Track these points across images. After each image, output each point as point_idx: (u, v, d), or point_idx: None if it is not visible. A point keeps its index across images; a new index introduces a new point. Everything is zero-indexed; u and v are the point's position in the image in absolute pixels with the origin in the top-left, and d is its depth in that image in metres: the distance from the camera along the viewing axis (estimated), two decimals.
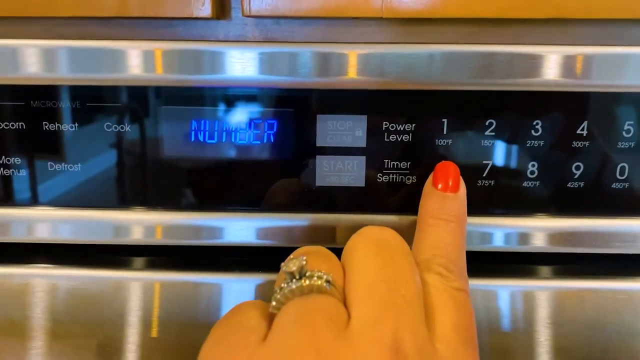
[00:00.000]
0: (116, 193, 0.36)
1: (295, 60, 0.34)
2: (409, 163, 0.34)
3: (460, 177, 0.33)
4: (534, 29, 0.36)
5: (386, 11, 0.33)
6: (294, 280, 0.26)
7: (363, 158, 0.34)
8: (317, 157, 0.34)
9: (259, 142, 0.34)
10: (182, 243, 0.37)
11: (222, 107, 0.34)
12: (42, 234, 0.37)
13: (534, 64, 0.33)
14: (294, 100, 0.34)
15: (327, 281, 0.26)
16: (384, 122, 0.33)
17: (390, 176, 0.35)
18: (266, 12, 0.34)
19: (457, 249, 0.30)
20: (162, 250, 0.39)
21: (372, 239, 0.28)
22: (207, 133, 0.34)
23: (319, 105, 0.34)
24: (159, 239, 0.37)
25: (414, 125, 0.34)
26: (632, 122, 0.33)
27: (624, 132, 0.34)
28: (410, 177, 0.35)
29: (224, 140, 0.34)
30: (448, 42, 0.35)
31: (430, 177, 0.33)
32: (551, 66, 0.33)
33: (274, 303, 0.26)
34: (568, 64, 0.33)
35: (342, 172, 0.34)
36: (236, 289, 0.37)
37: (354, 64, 0.34)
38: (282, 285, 0.26)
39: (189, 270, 0.37)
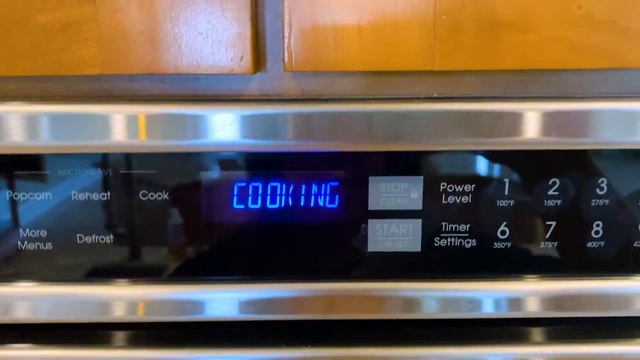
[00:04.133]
0: (98, 266, 0.34)
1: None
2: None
3: None
4: (580, 77, 0.34)
5: (438, 64, 0.31)
6: None
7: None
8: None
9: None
10: (166, 319, 0.35)
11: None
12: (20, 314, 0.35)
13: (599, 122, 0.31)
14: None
15: None
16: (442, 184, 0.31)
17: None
18: (310, 66, 0.32)
19: None
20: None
21: None
22: (254, 198, 0.32)
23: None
24: (140, 316, 0.34)
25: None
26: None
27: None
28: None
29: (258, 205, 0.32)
30: (495, 94, 0.33)
31: None
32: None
33: None
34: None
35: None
36: None
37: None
38: None
39: (173, 347, 0.35)
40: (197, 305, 0.34)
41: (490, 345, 0.34)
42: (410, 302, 0.33)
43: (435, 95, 0.33)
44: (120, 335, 0.36)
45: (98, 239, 0.33)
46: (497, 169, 0.31)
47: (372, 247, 0.32)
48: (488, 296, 0.34)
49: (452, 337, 0.35)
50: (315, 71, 0.33)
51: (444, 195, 0.31)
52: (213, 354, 0.34)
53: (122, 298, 0.34)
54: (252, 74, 0.32)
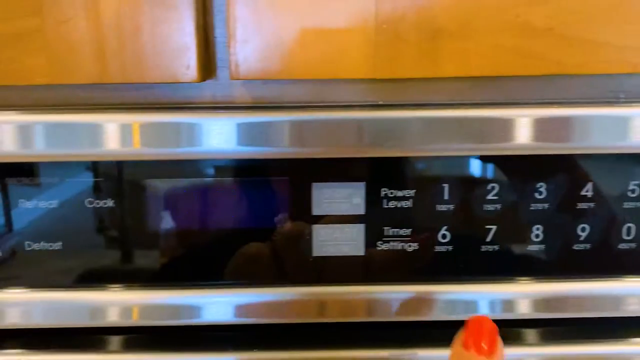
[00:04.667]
0: (92, 272, 0.34)
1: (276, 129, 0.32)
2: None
3: (498, 336, 0.27)
4: (528, 84, 0.35)
5: (380, 72, 0.32)
6: None
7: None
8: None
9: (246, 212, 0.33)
10: (160, 324, 0.35)
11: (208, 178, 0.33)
12: (13, 320, 0.35)
13: (540, 127, 0.32)
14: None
15: None
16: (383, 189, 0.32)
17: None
18: (255, 75, 0.32)
19: None
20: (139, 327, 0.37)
21: None
22: (200, 205, 0.32)
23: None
24: (135, 320, 0.35)
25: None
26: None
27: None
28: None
29: (209, 214, 0.33)
30: (444, 99, 0.34)
31: (460, 335, 0.27)
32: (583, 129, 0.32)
33: None
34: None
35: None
36: None
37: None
38: None
39: (168, 351, 0.35)
40: (193, 309, 0.34)
41: None
42: (405, 305, 0.34)
43: (380, 102, 0.34)
44: (114, 340, 0.36)
45: (90, 244, 0.34)
46: (437, 174, 0.32)
47: (316, 251, 0.32)
48: (483, 298, 0.34)
49: (444, 339, 0.35)
50: (263, 79, 0.34)
51: (385, 200, 0.32)
52: (208, 358, 0.35)
53: (116, 303, 0.34)
54: (200, 82, 0.32)
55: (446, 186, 0.32)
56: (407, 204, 0.32)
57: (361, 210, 0.32)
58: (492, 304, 0.34)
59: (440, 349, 0.34)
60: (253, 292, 0.34)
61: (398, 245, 0.33)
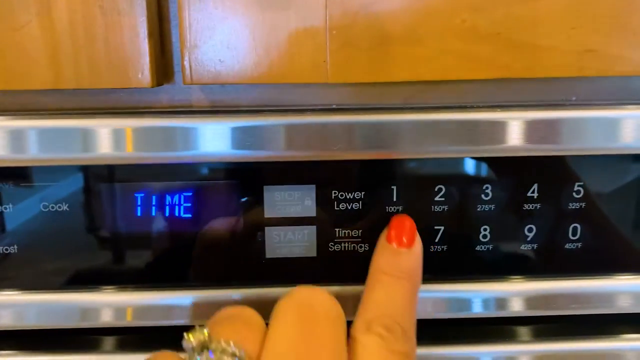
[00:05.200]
0: (85, 273, 0.34)
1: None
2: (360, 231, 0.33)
3: (416, 233, 0.31)
4: (479, 88, 0.35)
5: (332, 76, 0.33)
6: (195, 354, 0.24)
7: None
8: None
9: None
10: (154, 324, 0.35)
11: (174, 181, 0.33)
12: (6, 321, 0.35)
13: (484, 130, 0.32)
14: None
15: (233, 354, 0.24)
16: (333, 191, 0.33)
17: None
18: (209, 80, 0.33)
19: (405, 308, 0.28)
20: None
21: (297, 302, 0.26)
22: (154, 208, 0.33)
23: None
24: (129, 321, 0.35)
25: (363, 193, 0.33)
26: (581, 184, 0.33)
27: (575, 193, 0.34)
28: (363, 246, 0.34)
29: (168, 214, 0.33)
30: (396, 102, 0.34)
31: (385, 231, 0.31)
32: (513, 132, 0.33)
33: None
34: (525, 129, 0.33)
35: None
36: None
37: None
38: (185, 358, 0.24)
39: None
40: (186, 309, 0.35)
41: (479, 345, 0.36)
42: None
43: (333, 106, 0.34)
44: (108, 340, 0.37)
45: (82, 246, 0.34)
46: (385, 177, 0.33)
47: (269, 253, 0.33)
48: (476, 296, 0.35)
49: (441, 336, 0.36)
50: (217, 84, 0.34)
51: (335, 202, 0.33)
52: None
53: (110, 304, 0.34)
54: (154, 87, 0.33)
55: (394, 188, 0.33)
56: (357, 205, 0.33)
57: (312, 213, 0.33)
58: (485, 303, 0.35)
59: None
60: (244, 292, 0.34)
61: (349, 247, 0.33)
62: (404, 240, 0.30)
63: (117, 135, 0.32)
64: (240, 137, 0.32)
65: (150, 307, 0.35)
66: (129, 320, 0.35)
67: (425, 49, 0.32)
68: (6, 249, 0.34)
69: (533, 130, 0.32)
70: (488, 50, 0.32)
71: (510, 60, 0.33)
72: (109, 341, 0.37)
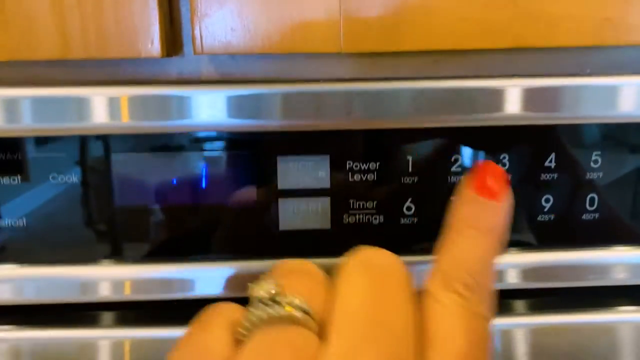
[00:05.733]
0: (82, 247, 0.34)
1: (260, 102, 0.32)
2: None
3: (508, 183, 0.27)
4: (495, 58, 0.35)
5: (345, 46, 0.32)
6: (263, 305, 0.23)
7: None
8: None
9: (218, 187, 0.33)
10: (153, 298, 0.34)
11: (183, 152, 0.32)
12: (4, 295, 0.35)
13: (499, 98, 0.32)
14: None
15: (302, 309, 0.23)
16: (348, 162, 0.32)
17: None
18: (219, 50, 0.32)
19: (487, 267, 0.25)
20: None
21: (365, 262, 0.25)
22: (168, 180, 0.32)
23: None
24: (127, 295, 0.34)
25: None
26: (598, 153, 0.33)
27: (591, 163, 0.33)
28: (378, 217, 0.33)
29: (184, 187, 0.33)
30: (409, 75, 0.34)
31: (469, 178, 0.27)
32: (515, 100, 0.32)
33: (239, 329, 0.23)
34: (532, 96, 0.32)
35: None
36: None
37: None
38: (251, 309, 0.23)
39: (161, 325, 0.35)
40: (185, 283, 0.34)
41: None
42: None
43: (347, 78, 0.34)
44: (107, 316, 0.36)
45: (80, 220, 0.34)
46: (401, 147, 0.32)
47: (283, 225, 0.33)
48: None
49: None
50: (227, 54, 0.33)
51: (350, 173, 0.32)
52: None
53: (108, 278, 0.34)
54: (163, 57, 0.32)
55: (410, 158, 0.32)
56: (372, 176, 0.32)
57: (326, 184, 0.32)
58: None
59: None
60: (244, 265, 0.34)
61: (364, 218, 0.33)
62: (494, 190, 0.26)
63: (113, 104, 0.32)
64: (250, 106, 0.31)
65: (149, 281, 0.34)
66: (127, 294, 0.34)
67: (440, 17, 0.32)
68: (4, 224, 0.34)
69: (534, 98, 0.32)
70: (504, 18, 0.32)
71: (526, 29, 0.32)
72: (108, 316, 0.36)
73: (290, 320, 0.23)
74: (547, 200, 0.34)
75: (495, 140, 0.33)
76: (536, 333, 0.35)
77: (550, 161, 0.33)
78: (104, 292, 0.34)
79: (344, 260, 0.25)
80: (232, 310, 0.25)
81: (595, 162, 0.33)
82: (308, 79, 0.33)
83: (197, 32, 0.31)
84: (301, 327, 0.23)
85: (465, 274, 0.25)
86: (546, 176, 0.33)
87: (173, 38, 0.34)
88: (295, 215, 0.32)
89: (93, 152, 0.33)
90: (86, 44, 0.32)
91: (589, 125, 0.33)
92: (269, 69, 0.35)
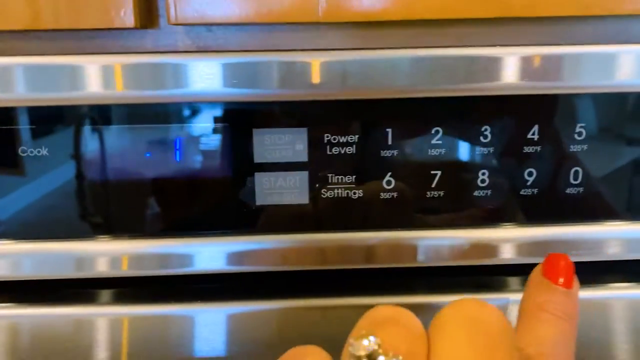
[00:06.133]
0: (79, 222, 0.33)
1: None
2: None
3: (574, 274, 0.29)
4: (480, 29, 0.34)
5: (324, 15, 0.31)
6: None
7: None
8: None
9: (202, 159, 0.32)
10: (150, 273, 0.34)
11: (158, 125, 0.32)
12: (1, 271, 0.34)
13: (480, 67, 0.31)
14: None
15: None
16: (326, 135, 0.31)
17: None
18: (194, 20, 0.31)
19: (566, 350, 0.27)
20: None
21: (469, 319, 0.24)
22: (137, 153, 0.31)
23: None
24: (125, 270, 0.34)
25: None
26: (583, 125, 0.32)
27: (575, 135, 0.32)
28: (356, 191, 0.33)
29: (156, 160, 0.32)
30: (391, 46, 0.33)
31: (540, 266, 0.30)
32: (508, 68, 0.31)
33: None
34: (521, 65, 0.31)
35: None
36: (209, 319, 0.34)
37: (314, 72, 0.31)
38: None
39: (159, 302, 0.35)
40: (184, 257, 0.34)
41: (471, 294, 0.35)
42: (395, 250, 0.34)
43: (326, 48, 0.33)
44: (105, 293, 0.36)
45: (76, 196, 0.33)
46: (379, 119, 0.31)
47: (259, 200, 0.32)
48: (469, 243, 0.34)
49: (435, 286, 0.35)
50: (202, 24, 0.33)
51: (328, 146, 0.31)
52: (199, 308, 0.34)
53: (105, 253, 0.33)
54: (137, 28, 0.31)
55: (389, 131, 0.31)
56: (351, 150, 0.31)
57: (304, 157, 0.31)
58: (476, 249, 0.34)
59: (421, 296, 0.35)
60: (243, 240, 0.33)
61: (343, 193, 0.32)
62: (564, 279, 0.29)
63: (106, 73, 0.31)
64: (229, 74, 0.30)
65: (144, 256, 0.34)
66: (124, 270, 0.34)
67: None
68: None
69: (530, 66, 0.31)
70: None
71: None
72: (106, 294, 0.36)
73: None
74: (530, 174, 0.33)
75: (486, 110, 0.32)
76: None
77: (533, 134, 0.32)
78: (101, 268, 0.34)
79: (444, 312, 0.24)
80: (320, 353, 0.24)
81: (580, 134, 0.32)
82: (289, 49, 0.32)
83: (171, 1, 0.31)
84: None
85: (547, 357, 0.26)
86: (529, 149, 0.32)
87: (149, 9, 0.33)
88: (272, 189, 0.32)
89: (78, 124, 0.32)
90: (57, 13, 0.31)
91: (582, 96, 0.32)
92: (247, 41, 0.34)
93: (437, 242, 0.33)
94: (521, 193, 0.33)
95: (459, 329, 0.23)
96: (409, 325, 0.24)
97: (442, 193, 0.32)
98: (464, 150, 0.32)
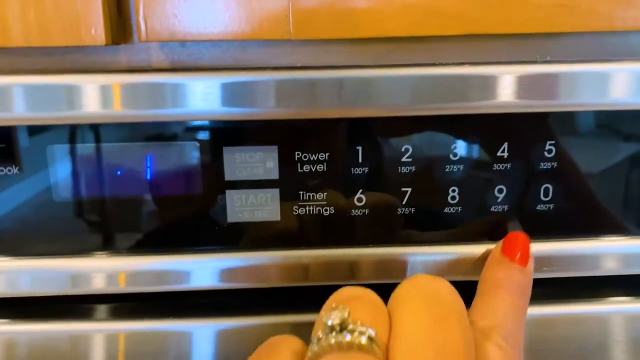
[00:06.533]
0: (76, 239, 0.33)
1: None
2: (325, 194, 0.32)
3: (530, 251, 0.31)
4: (453, 45, 0.34)
5: (295, 32, 0.31)
6: (333, 332, 0.24)
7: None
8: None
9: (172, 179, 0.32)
10: (147, 290, 0.34)
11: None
12: None
13: (449, 87, 0.31)
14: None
15: (369, 338, 0.23)
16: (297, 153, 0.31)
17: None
18: (165, 37, 0.31)
19: (518, 323, 0.29)
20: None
21: (424, 292, 0.26)
22: (109, 170, 0.31)
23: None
24: (122, 287, 0.34)
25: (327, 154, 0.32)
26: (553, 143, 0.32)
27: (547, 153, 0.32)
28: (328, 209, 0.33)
29: (128, 178, 0.32)
30: (365, 62, 0.33)
31: (499, 244, 0.32)
32: (474, 88, 0.31)
33: (309, 354, 0.24)
34: (492, 84, 0.31)
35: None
36: (205, 335, 0.34)
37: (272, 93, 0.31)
38: (320, 335, 0.24)
39: (156, 317, 0.35)
40: (179, 275, 0.34)
41: None
42: (378, 266, 0.34)
43: (299, 65, 0.33)
44: (101, 308, 0.36)
45: (74, 211, 0.33)
46: (350, 137, 0.31)
47: (231, 217, 0.32)
48: (459, 259, 0.34)
49: None
50: (175, 41, 0.33)
51: (299, 164, 0.31)
52: (195, 324, 0.35)
53: (102, 270, 0.33)
54: (109, 45, 0.31)
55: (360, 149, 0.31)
56: (322, 167, 0.31)
57: (275, 175, 0.31)
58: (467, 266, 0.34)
59: None
60: (237, 256, 0.33)
61: (314, 210, 0.32)
62: (519, 256, 0.31)
63: (104, 92, 0.31)
64: (202, 92, 0.30)
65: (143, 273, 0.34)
66: (122, 287, 0.34)
67: (390, 4, 0.31)
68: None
69: (511, 85, 0.31)
70: (456, 4, 0.31)
71: (480, 15, 0.31)
72: (102, 309, 0.36)
73: (360, 349, 0.23)
74: (501, 191, 0.33)
75: (456, 128, 0.32)
76: (529, 324, 0.34)
77: (503, 151, 0.32)
78: (98, 285, 0.34)
79: (401, 288, 0.26)
80: (295, 340, 0.26)
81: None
82: (260, 67, 0.32)
83: (141, 19, 0.31)
84: (370, 356, 0.23)
85: (501, 328, 0.28)
86: (500, 166, 0.33)
87: (122, 25, 0.33)
88: (243, 207, 0.32)
89: (88, 140, 0.32)
90: (27, 32, 0.31)
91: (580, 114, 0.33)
92: (221, 57, 0.34)
93: (423, 258, 0.34)
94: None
95: (416, 300, 0.25)
96: (372, 300, 0.26)
97: (413, 210, 0.32)
98: (435, 167, 0.32)
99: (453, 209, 0.33)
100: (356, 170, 0.31)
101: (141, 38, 0.31)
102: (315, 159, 0.31)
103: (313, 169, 0.31)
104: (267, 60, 0.34)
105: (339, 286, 0.27)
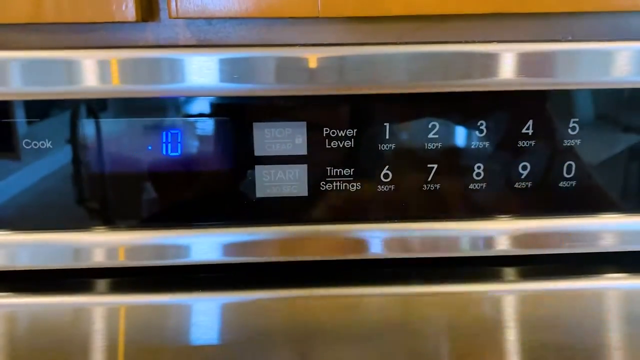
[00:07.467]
0: (76, 213, 0.33)
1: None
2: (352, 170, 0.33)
3: None
4: (477, 24, 0.34)
5: (323, 10, 0.32)
6: None
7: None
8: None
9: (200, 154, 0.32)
10: (147, 264, 0.34)
11: (161, 118, 0.32)
12: None
13: (479, 63, 0.31)
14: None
15: None
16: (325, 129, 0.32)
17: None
18: (195, 14, 0.32)
19: None
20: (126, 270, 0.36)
21: None
22: (139, 146, 0.32)
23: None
24: (121, 261, 0.34)
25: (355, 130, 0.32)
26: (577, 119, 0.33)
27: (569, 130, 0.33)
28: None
29: (159, 153, 0.32)
30: (390, 40, 0.33)
31: None
32: (505, 65, 0.31)
33: None
34: (521, 61, 0.32)
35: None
36: (205, 308, 0.35)
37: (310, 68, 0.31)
38: None
39: (156, 291, 0.35)
40: (179, 249, 0.34)
41: (466, 284, 0.35)
42: (392, 243, 0.34)
43: (326, 43, 0.33)
44: (102, 282, 0.36)
45: (74, 186, 0.33)
46: (377, 114, 0.32)
47: (260, 192, 0.32)
48: (464, 235, 0.34)
49: (430, 277, 0.36)
50: (203, 18, 0.33)
51: (327, 140, 0.32)
52: (195, 298, 0.35)
53: (102, 244, 0.34)
54: (138, 22, 0.32)
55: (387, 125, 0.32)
56: (349, 143, 0.32)
57: (303, 151, 0.32)
58: (473, 241, 0.34)
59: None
60: (239, 231, 0.33)
61: (341, 186, 0.33)
62: None
63: (103, 67, 0.30)
64: (229, 70, 0.30)
65: (142, 247, 0.34)
66: (121, 260, 0.34)
67: None
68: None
69: (527, 63, 0.31)
70: None
71: None
72: (102, 283, 0.36)
73: None
74: (524, 168, 0.34)
75: (482, 105, 0.32)
76: (525, 299, 0.35)
77: (528, 128, 0.33)
78: (98, 258, 0.34)
79: None
80: None
81: (573, 129, 0.33)
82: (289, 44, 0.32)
83: None
84: None
85: None
86: (523, 143, 0.33)
87: (149, 3, 0.34)
88: (271, 182, 0.32)
89: (78, 117, 0.32)
90: (58, 7, 0.31)
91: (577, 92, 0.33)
92: (247, 35, 0.34)
93: (435, 234, 0.34)
94: (516, 186, 0.34)
95: None
96: None
97: (438, 186, 0.33)
98: (460, 144, 0.32)
99: (478, 185, 0.33)
100: (383, 147, 0.32)
101: (171, 15, 0.31)
102: (343, 135, 0.32)
103: (341, 145, 0.32)
104: (292, 39, 0.34)
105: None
